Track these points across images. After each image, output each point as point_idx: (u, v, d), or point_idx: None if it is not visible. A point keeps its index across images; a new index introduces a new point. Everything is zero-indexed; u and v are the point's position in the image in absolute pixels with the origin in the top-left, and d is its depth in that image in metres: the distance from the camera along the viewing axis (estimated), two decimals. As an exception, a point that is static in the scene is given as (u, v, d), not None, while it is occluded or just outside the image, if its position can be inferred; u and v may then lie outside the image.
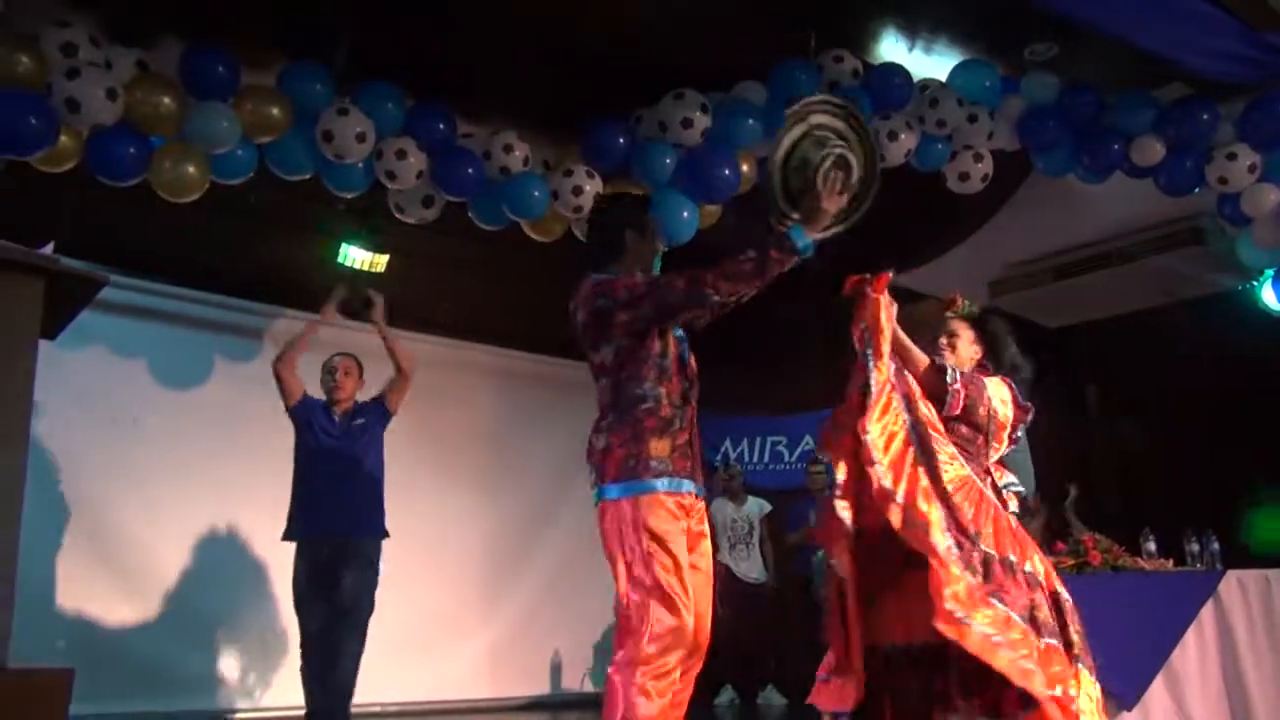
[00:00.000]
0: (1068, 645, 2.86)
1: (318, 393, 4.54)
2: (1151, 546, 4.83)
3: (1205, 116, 4.30)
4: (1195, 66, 4.15)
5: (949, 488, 2.91)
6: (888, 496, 2.91)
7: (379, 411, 4.59)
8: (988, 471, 3.21)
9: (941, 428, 3.12)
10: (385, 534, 4.40)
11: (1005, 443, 3.26)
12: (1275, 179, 4.33)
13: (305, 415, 4.46)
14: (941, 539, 2.79)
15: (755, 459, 7.54)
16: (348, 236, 5.15)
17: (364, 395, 4.65)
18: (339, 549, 4.23)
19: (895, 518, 2.86)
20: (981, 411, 3.17)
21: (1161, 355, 6.31)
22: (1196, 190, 4.50)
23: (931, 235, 6.00)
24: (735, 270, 2.55)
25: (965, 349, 3.36)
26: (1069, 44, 4.41)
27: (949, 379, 3.13)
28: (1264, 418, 5.73)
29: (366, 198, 4.35)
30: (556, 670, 6.97)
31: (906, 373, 3.13)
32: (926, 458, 2.95)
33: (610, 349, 2.68)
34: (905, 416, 3.01)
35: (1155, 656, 4.52)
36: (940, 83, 4.38)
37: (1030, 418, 3.29)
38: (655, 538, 2.53)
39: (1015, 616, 2.76)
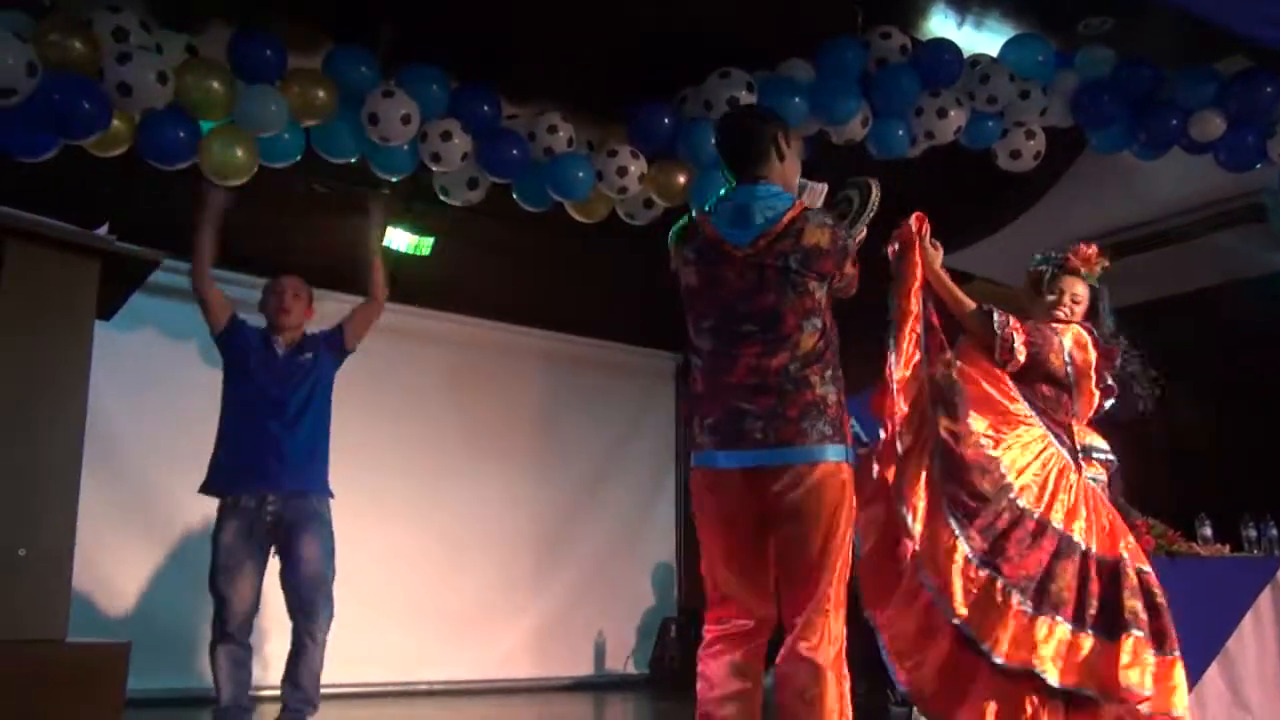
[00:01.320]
0: (1115, 614, 2.81)
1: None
2: (1207, 531, 4.75)
3: (1268, 89, 4.17)
4: (1257, 35, 4.03)
5: (968, 446, 2.89)
6: (893, 453, 2.97)
7: (332, 346, 3.94)
8: (1073, 431, 3.12)
9: (1013, 390, 3.04)
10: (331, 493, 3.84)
11: (1096, 395, 3.14)
12: (1341, 154, 4.20)
13: (239, 344, 3.79)
14: (910, 515, 2.85)
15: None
16: (392, 220, 5.18)
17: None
18: (290, 509, 3.66)
19: (890, 473, 2.95)
20: (1055, 361, 3.07)
21: (1219, 335, 6.16)
22: (1258, 166, 4.38)
23: (982, 215, 5.90)
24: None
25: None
26: (1125, 17, 4.30)
27: (995, 322, 3.05)
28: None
29: (412, 181, 4.38)
30: (600, 652, 7.01)
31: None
32: (936, 413, 2.94)
33: (824, 289, 2.50)
34: (924, 372, 3.02)
35: (1211, 643, 4.44)
36: (991, 58, 4.29)
37: (1119, 361, 3.19)
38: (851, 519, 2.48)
39: (1002, 581, 2.76)
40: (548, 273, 6.45)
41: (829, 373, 2.45)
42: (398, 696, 5.90)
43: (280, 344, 3.86)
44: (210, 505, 3.76)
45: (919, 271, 3.14)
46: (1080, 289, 3.28)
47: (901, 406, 3.00)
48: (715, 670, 2.41)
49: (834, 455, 2.40)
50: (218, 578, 3.63)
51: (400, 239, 5.53)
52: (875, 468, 3.02)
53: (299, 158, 4.00)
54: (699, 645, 2.53)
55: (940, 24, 4.47)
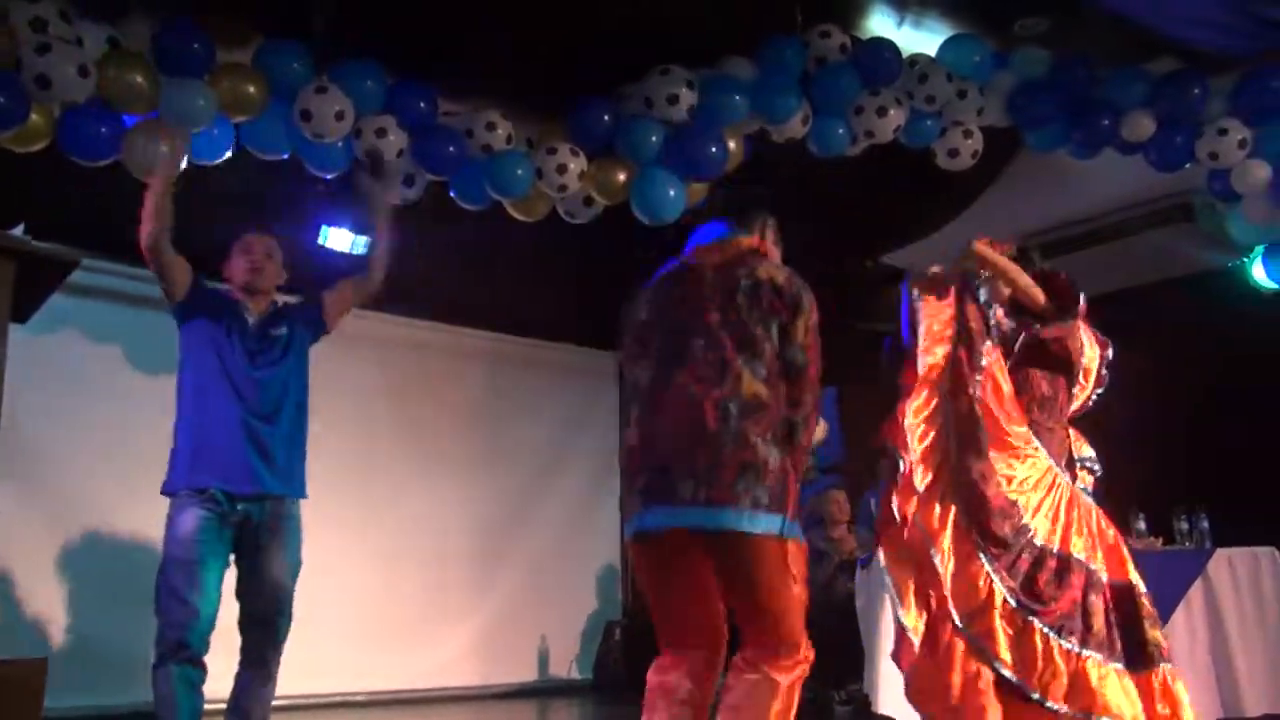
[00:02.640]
0: (1138, 646, 2.83)
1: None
2: (1141, 525, 4.88)
3: (1196, 91, 4.30)
4: (1187, 37, 4.15)
5: (993, 487, 2.86)
6: (910, 488, 2.92)
7: (309, 321, 3.39)
8: (1067, 436, 3.18)
9: (1014, 412, 3.01)
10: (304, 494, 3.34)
11: (1091, 387, 3.22)
12: (1266, 155, 4.34)
13: (206, 311, 3.21)
14: (939, 558, 2.81)
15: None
16: (329, 218, 5.12)
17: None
18: (263, 512, 3.14)
19: (911, 510, 2.88)
20: (1075, 344, 3.14)
21: (1151, 332, 6.33)
22: (1187, 166, 4.51)
23: (921, 213, 6.01)
24: (803, 456, 2.40)
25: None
26: (1060, 18, 4.40)
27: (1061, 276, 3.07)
28: (1254, 395, 5.78)
29: (346, 178, 4.31)
30: (544, 657, 6.99)
31: (982, 353, 3.02)
32: (963, 451, 2.90)
33: (774, 337, 2.37)
34: (948, 406, 2.96)
35: (1145, 637, 4.56)
36: (929, 58, 4.37)
37: (1111, 353, 3.22)
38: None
39: (1045, 630, 2.75)
40: (488, 273, 6.41)
41: (772, 434, 2.31)
42: (337, 708, 5.84)
43: (252, 313, 3.28)
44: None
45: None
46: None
47: (915, 443, 2.94)
48: (661, 680, 2.40)
49: (766, 526, 2.26)
50: (174, 577, 2.99)
51: (338, 239, 5.46)
52: (895, 501, 2.98)
53: (228, 154, 3.92)
54: (644, 649, 2.54)
55: (880, 23, 4.54)
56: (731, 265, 2.46)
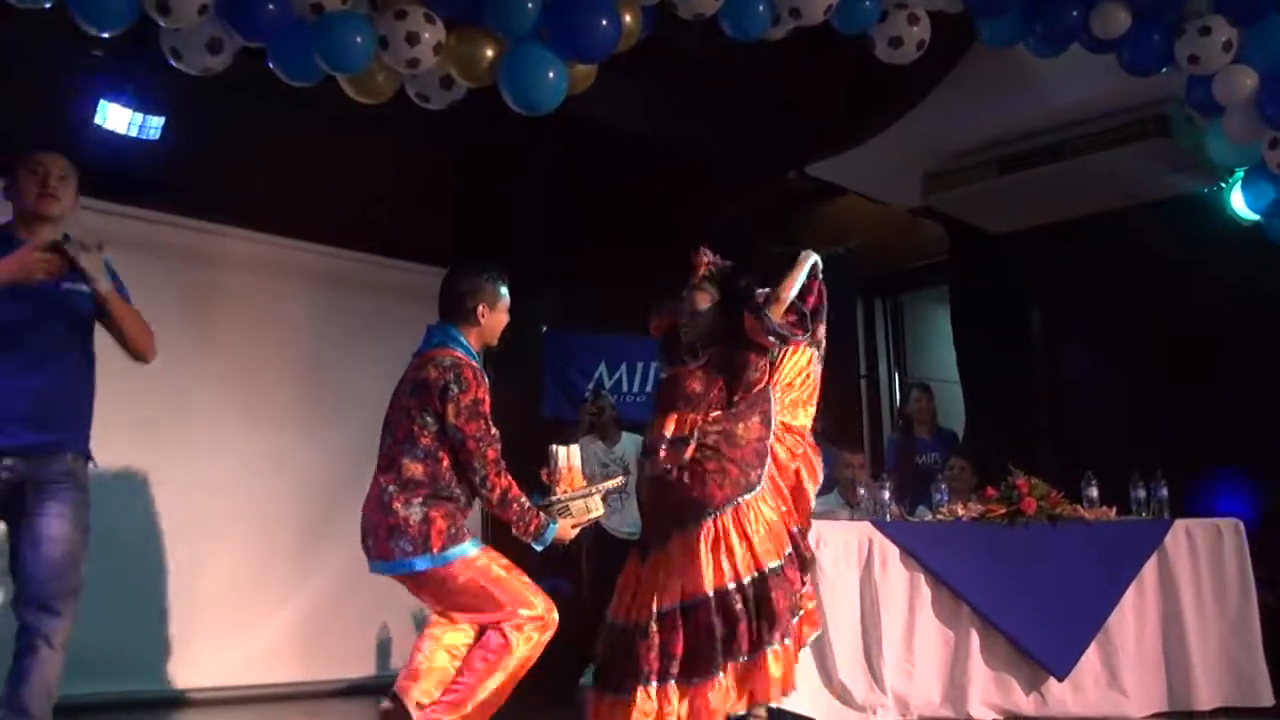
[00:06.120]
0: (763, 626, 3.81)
1: None
2: (1093, 493, 5.09)
3: (1178, -20, 4.42)
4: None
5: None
6: None
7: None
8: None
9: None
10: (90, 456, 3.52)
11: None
12: (1253, 60, 4.48)
13: None
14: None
15: (634, 387, 7.60)
16: (107, 91, 4.90)
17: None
18: (42, 470, 3.32)
19: None
20: None
21: (1110, 267, 6.56)
22: (1164, 70, 4.64)
23: (856, 117, 6.06)
24: (508, 504, 3.53)
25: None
26: (1026, -118, 4.45)
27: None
28: (1227, 345, 6.02)
29: (134, 39, 4.11)
30: (384, 649, 6.97)
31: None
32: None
33: (436, 424, 3.57)
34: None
35: (1092, 619, 4.81)
36: (870, -77, 4.36)
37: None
38: None
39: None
40: (314, 168, 6.23)
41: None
42: (138, 707, 5.79)
43: (37, 246, 3.35)
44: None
45: None
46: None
47: None
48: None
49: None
50: None
51: (119, 118, 5.22)
52: None
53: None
54: None
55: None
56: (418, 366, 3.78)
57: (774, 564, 3.84)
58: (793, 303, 4.01)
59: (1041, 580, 4.79)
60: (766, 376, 4.07)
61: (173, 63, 4.08)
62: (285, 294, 6.82)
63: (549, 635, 3.53)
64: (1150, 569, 4.93)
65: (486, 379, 3.60)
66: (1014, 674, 4.76)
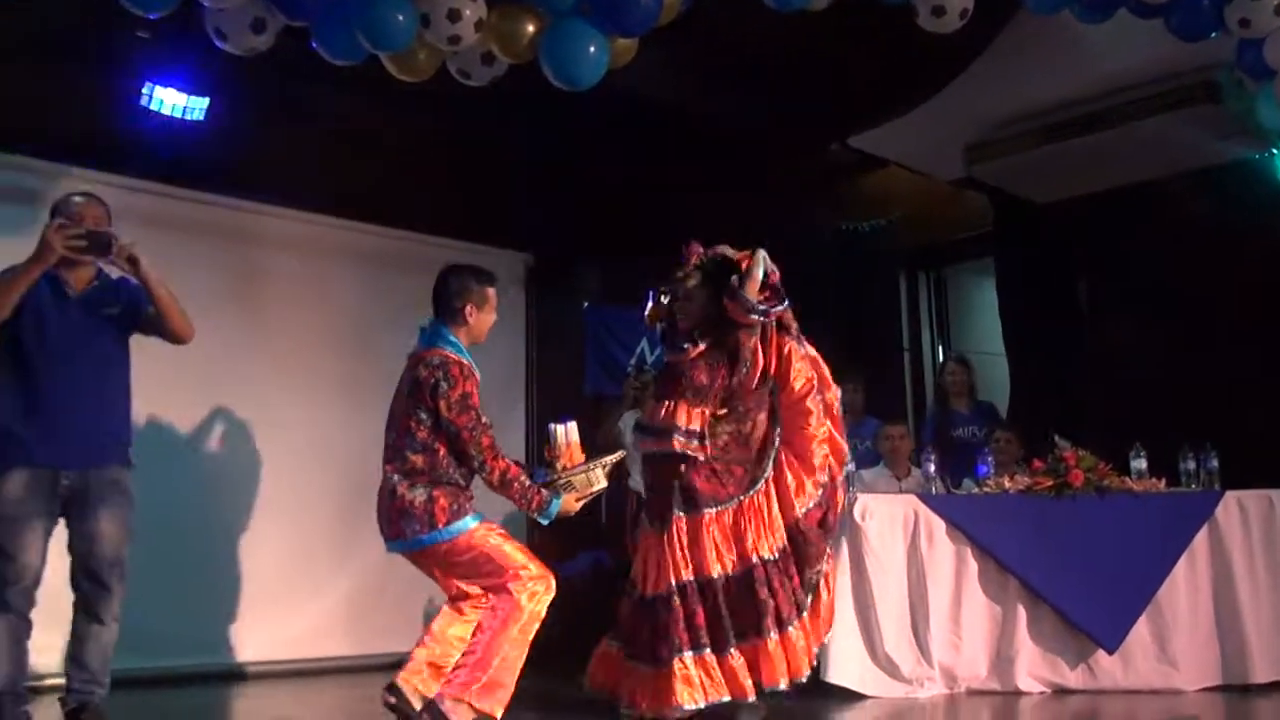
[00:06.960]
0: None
1: None
2: (1142, 464, 5.04)
3: (1228, -58, 4.34)
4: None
5: None
6: None
7: (139, 295, 3.95)
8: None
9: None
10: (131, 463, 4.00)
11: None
12: (1307, 23, 4.40)
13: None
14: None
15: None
16: (153, 73, 4.94)
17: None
18: (93, 481, 3.84)
19: None
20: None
21: (1157, 236, 6.47)
22: (1214, 35, 4.56)
23: (897, 87, 6.00)
24: (508, 484, 3.79)
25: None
26: None
27: None
28: (1277, 314, 5.93)
29: (180, 20, 4.15)
30: (428, 622, 6.99)
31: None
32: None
33: (430, 421, 3.82)
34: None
35: (1142, 592, 4.76)
36: (912, -108, 4.31)
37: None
38: None
39: None
40: (360, 148, 6.25)
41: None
42: (193, 681, 5.86)
43: (73, 289, 3.82)
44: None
45: None
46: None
47: None
48: None
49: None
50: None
51: (168, 99, 5.26)
52: None
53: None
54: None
55: None
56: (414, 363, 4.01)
57: (767, 555, 4.07)
58: (764, 281, 4.12)
59: (1089, 553, 4.75)
60: (763, 362, 4.24)
61: (218, 43, 4.14)
62: (331, 274, 6.83)
63: (552, 595, 3.81)
64: (1201, 541, 4.87)
65: (476, 374, 3.86)
66: (1062, 647, 4.74)
